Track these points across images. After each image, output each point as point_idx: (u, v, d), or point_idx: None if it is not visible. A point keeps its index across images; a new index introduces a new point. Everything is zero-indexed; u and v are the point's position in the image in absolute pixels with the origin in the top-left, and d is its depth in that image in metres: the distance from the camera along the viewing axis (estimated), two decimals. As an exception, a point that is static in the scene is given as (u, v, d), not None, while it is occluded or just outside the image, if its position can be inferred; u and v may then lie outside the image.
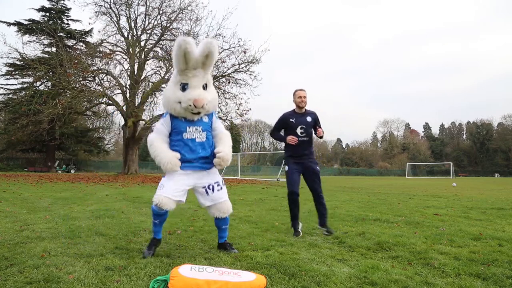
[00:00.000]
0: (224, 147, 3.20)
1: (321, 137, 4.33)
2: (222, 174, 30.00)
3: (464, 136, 79.93)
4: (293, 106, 4.40)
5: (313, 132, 4.35)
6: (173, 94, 3.07)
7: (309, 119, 4.30)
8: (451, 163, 51.95)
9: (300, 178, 4.29)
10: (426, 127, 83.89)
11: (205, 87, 3.12)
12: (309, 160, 4.29)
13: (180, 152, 3.12)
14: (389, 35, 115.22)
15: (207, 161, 3.23)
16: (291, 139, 4.14)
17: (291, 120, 4.27)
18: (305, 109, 4.36)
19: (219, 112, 22.09)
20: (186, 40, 2.88)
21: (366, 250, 3.49)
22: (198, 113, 3.10)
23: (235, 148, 56.00)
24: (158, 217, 3.15)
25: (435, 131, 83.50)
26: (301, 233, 4.15)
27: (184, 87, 3.05)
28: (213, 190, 3.25)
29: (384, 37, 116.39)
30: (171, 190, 3.06)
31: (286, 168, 4.32)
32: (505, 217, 5.82)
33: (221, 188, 3.32)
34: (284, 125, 4.33)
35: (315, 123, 4.35)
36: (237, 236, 4.03)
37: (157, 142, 3.12)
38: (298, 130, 4.24)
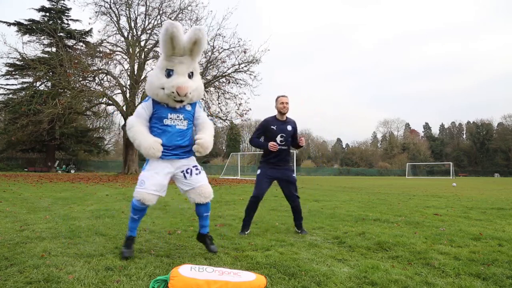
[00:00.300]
0: (205, 134, 3.15)
1: (301, 147, 4.35)
2: (222, 174, 30.02)
3: (464, 136, 79.94)
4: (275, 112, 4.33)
5: (293, 140, 4.33)
6: (157, 80, 3.02)
7: (289, 128, 4.27)
8: (451, 163, 51.94)
9: (270, 185, 4.26)
10: (426, 127, 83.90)
11: (190, 75, 3.07)
12: (285, 168, 4.26)
13: (159, 138, 3.04)
14: (389, 35, 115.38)
15: (185, 150, 3.17)
16: (272, 145, 4.06)
17: (272, 127, 4.22)
18: (286, 117, 4.32)
19: (219, 112, 22.11)
20: (173, 24, 2.81)
21: (366, 250, 3.49)
22: (181, 101, 3.04)
23: (235, 148, 56.25)
24: (139, 212, 3.10)
25: (435, 131, 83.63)
26: (246, 234, 4.16)
27: (169, 73, 2.99)
28: (191, 173, 3.14)
29: (384, 37, 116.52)
30: (153, 185, 3.00)
31: (258, 171, 4.26)
32: (505, 217, 5.82)
33: (200, 172, 3.22)
34: (265, 131, 4.26)
35: (294, 132, 4.34)
36: (237, 236, 4.02)
37: (138, 125, 3.04)
38: (278, 138, 4.19)
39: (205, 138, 3.12)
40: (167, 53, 2.96)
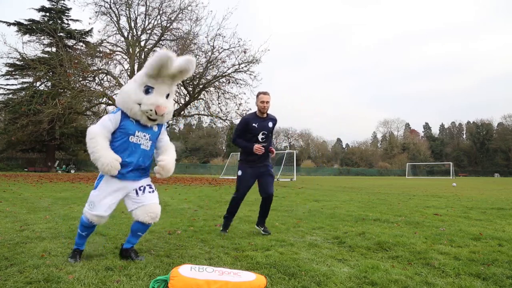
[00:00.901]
0: (168, 156, 3.11)
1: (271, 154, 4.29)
2: (222, 174, 30.02)
3: (464, 136, 79.97)
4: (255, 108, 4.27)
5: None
6: (134, 94, 2.87)
7: (270, 124, 4.21)
8: (451, 163, 51.95)
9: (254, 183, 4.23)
10: (426, 127, 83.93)
11: (167, 96, 2.98)
12: (265, 163, 4.22)
13: (120, 154, 2.89)
14: (389, 35, 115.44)
15: (144, 172, 3.06)
16: (258, 148, 4.00)
17: (253, 124, 4.12)
18: (267, 113, 4.25)
19: (219, 112, 22.12)
20: (168, 55, 2.74)
21: (366, 250, 3.49)
22: (155, 120, 2.95)
23: (235, 148, 56.08)
24: (87, 229, 3.01)
25: (435, 131, 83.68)
26: (227, 232, 4.23)
27: (147, 90, 2.87)
28: (143, 191, 3.02)
29: (384, 37, 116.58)
30: (104, 207, 2.91)
31: (240, 172, 4.19)
32: (505, 217, 5.82)
33: (153, 191, 3.08)
34: (246, 129, 4.16)
35: (273, 127, 4.29)
36: (237, 236, 4.03)
37: (100, 137, 2.87)
38: (260, 136, 4.14)
39: (168, 160, 3.08)
40: (151, 74, 2.85)
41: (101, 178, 2.98)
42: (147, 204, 2.97)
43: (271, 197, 4.23)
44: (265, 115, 4.22)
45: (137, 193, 2.98)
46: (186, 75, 2.97)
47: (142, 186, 3.02)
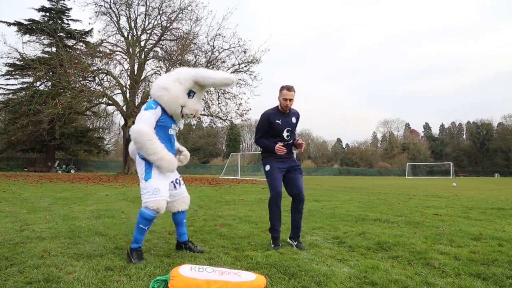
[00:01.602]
0: (183, 147, 3.49)
1: (299, 149, 3.89)
2: (222, 174, 30.03)
3: (464, 136, 79.99)
4: (277, 102, 3.79)
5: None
6: (181, 96, 3.11)
7: (293, 120, 3.82)
8: (451, 163, 51.95)
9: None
10: (426, 127, 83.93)
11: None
12: (291, 159, 3.83)
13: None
14: (389, 35, 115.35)
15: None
16: (279, 148, 3.61)
17: (277, 121, 3.69)
18: (290, 108, 3.79)
19: (219, 112, 22.14)
20: (234, 81, 3.16)
21: (366, 250, 3.49)
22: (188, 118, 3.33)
23: (235, 148, 56.25)
24: (149, 222, 3.03)
25: (435, 131, 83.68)
26: (281, 246, 3.57)
27: (190, 94, 3.16)
28: (180, 184, 3.35)
29: (384, 37, 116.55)
30: (166, 192, 3.07)
31: (268, 167, 3.70)
32: (505, 217, 5.82)
33: (183, 183, 3.46)
34: (269, 127, 3.71)
35: (297, 123, 3.91)
36: (237, 236, 4.02)
37: (156, 137, 3.00)
38: (285, 134, 3.73)
39: (186, 150, 3.46)
40: (201, 84, 3.18)
41: (149, 168, 3.05)
42: (183, 196, 3.36)
43: (303, 200, 3.73)
44: (288, 111, 3.77)
45: (175, 186, 3.29)
46: (223, 88, 3.31)
47: (177, 179, 3.34)
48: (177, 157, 3.30)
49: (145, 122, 3.01)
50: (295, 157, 4.05)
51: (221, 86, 3.31)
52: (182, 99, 3.11)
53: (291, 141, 3.83)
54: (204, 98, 22.73)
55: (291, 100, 3.67)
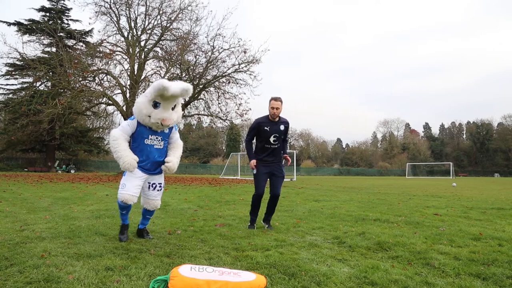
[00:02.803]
0: (173, 158, 3.75)
1: (287, 162, 4.57)
2: (222, 174, 30.04)
3: (464, 136, 80.00)
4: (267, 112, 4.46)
5: (282, 141, 4.55)
6: (145, 108, 3.46)
7: (282, 127, 4.42)
8: (451, 163, 51.97)
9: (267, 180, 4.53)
10: (426, 127, 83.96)
11: (173, 107, 3.55)
12: (277, 164, 4.49)
13: (137, 154, 3.58)
14: (389, 35, 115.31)
15: (161, 165, 3.73)
16: (252, 165, 4.39)
17: (265, 128, 4.35)
18: (279, 116, 4.44)
19: (219, 112, 22.15)
20: (165, 87, 3.27)
21: (366, 250, 3.49)
22: (163, 128, 3.62)
23: (235, 148, 56.24)
24: (124, 209, 3.69)
25: (435, 131, 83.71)
26: (255, 227, 4.51)
27: (156, 105, 3.45)
28: (154, 188, 3.76)
29: (384, 36, 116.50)
30: (132, 187, 3.55)
31: (254, 171, 4.45)
32: (505, 217, 5.82)
33: (160, 190, 3.83)
34: (258, 132, 4.40)
35: (286, 130, 4.51)
36: (237, 236, 4.03)
37: (121, 139, 3.52)
38: (271, 139, 4.38)
39: (173, 161, 3.72)
40: (156, 95, 3.40)
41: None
42: (151, 200, 3.78)
43: (278, 197, 4.53)
44: (277, 119, 4.41)
45: (149, 187, 3.74)
46: (184, 98, 3.63)
47: (154, 183, 3.75)
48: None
49: (119, 128, 3.62)
50: (282, 163, 4.63)
51: (179, 96, 3.44)
52: (146, 110, 3.45)
53: (278, 145, 4.46)
54: (204, 98, 22.75)
55: (278, 108, 4.31)
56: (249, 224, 4.64)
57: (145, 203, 3.78)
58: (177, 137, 3.91)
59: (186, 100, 22.04)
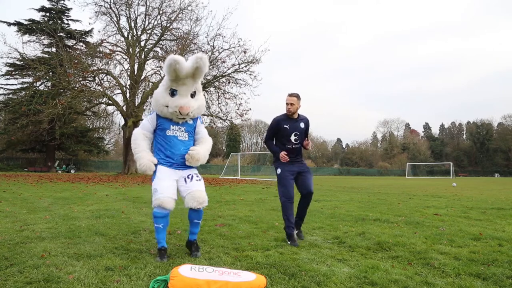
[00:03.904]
0: (200, 147, 3.40)
1: (305, 149, 4.21)
2: (222, 174, 30.03)
3: (464, 136, 79.98)
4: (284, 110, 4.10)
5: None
6: (162, 98, 3.24)
7: (302, 125, 4.09)
8: (451, 163, 51.96)
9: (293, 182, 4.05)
10: (426, 127, 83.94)
11: (193, 94, 3.29)
12: (300, 163, 4.15)
13: (163, 147, 3.33)
14: (389, 35, 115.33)
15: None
16: (283, 156, 3.93)
17: (284, 126, 4.01)
18: (298, 114, 4.11)
19: (219, 112, 22.13)
20: (176, 60, 3.01)
21: (366, 250, 3.49)
22: (183, 118, 3.30)
23: (235, 148, 56.21)
24: (161, 219, 3.17)
25: (435, 131, 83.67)
26: (297, 243, 3.76)
27: (173, 93, 3.22)
28: (191, 179, 3.31)
29: (384, 37, 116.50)
30: (165, 189, 3.16)
31: (279, 171, 4.01)
32: (505, 217, 5.82)
33: (200, 179, 3.39)
34: (277, 131, 4.06)
35: (306, 129, 4.19)
36: (237, 236, 4.02)
37: (141, 139, 3.33)
38: (292, 137, 4.03)
39: (198, 150, 3.34)
40: (171, 79, 3.17)
41: (155, 171, 3.30)
42: (194, 191, 3.24)
43: (311, 195, 4.04)
44: (295, 116, 4.07)
45: (185, 181, 3.30)
46: (201, 71, 3.18)
47: (190, 175, 3.34)
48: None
49: (140, 126, 3.44)
50: (303, 160, 4.26)
51: (195, 67, 3.12)
52: (163, 99, 3.23)
53: (300, 145, 4.10)
54: (204, 98, 22.72)
55: (292, 104, 3.95)
56: (288, 241, 3.77)
57: (190, 200, 3.23)
58: (205, 131, 3.57)
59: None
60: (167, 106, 3.22)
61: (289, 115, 4.03)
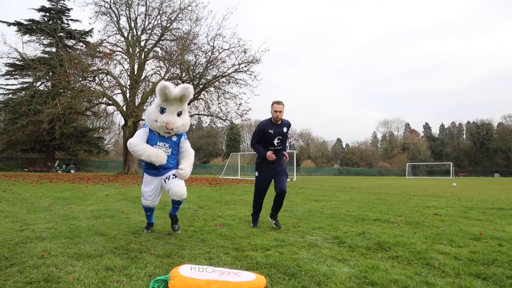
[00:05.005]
0: (186, 165, 4.05)
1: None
2: (222, 174, 30.05)
3: (464, 136, 79.96)
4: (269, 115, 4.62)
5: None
6: (153, 113, 3.86)
7: (285, 129, 4.60)
8: (451, 163, 51.95)
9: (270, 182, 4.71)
10: (426, 127, 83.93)
11: (179, 114, 3.92)
12: (280, 164, 4.65)
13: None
14: (389, 34, 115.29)
15: (169, 168, 4.04)
16: (270, 155, 4.43)
17: (269, 131, 4.51)
18: (282, 119, 4.58)
19: (219, 112, 22.16)
20: (166, 86, 3.66)
21: (366, 250, 3.49)
22: (169, 132, 3.91)
23: (235, 148, 56.22)
24: (148, 210, 4.19)
25: (435, 131, 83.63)
26: (258, 226, 4.68)
27: (162, 111, 3.84)
28: (169, 178, 3.99)
29: (384, 36, 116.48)
30: (149, 196, 4.04)
31: (257, 173, 4.68)
32: (505, 217, 5.82)
33: (175, 177, 4.01)
34: (263, 135, 4.55)
35: (287, 131, 4.68)
36: (237, 236, 4.03)
37: (142, 143, 3.89)
38: (275, 141, 4.56)
39: (186, 169, 4.02)
40: (161, 99, 3.79)
41: (143, 175, 4.12)
42: (172, 187, 3.92)
43: (284, 193, 4.59)
44: (279, 122, 4.57)
45: (165, 181, 4.01)
46: (187, 98, 3.87)
47: (168, 175, 4.01)
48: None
49: (135, 136, 3.97)
50: (283, 162, 4.80)
51: (181, 94, 3.77)
52: (154, 115, 3.84)
53: (281, 146, 4.65)
54: (204, 98, 22.76)
55: (280, 111, 4.48)
56: (252, 224, 4.77)
57: (172, 195, 3.93)
58: (188, 146, 4.15)
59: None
60: (156, 121, 3.82)
61: (276, 121, 4.53)
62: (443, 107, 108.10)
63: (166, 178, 4.02)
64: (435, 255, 3.27)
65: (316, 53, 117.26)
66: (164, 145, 3.96)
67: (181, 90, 3.76)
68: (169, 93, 3.70)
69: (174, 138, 4.04)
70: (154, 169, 3.98)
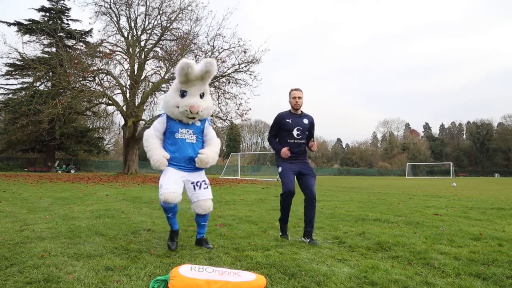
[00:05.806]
0: (208, 150, 3.52)
1: (311, 151, 4.07)
2: (222, 174, 30.04)
3: (464, 136, 79.98)
4: (289, 107, 4.13)
5: (307, 138, 4.09)
6: (172, 99, 3.41)
7: (305, 121, 4.05)
8: (451, 163, 51.96)
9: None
10: (426, 127, 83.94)
11: (201, 95, 3.45)
12: (303, 161, 4.01)
13: (170, 149, 3.47)
14: (389, 34, 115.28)
15: (198, 170, 3.57)
16: (285, 151, 3.87)
17: (287, 120, 3.98)
18: (302, 111, 4.10)
19: (219, 112, 22.12)
20: (188, 64, 3.22)
21: (366, 250, 3.49)
22: (193, 117, 3.45)
23: (235, 148, 56.19)
24: (169, 210, 3.41)
25: (435, 131, 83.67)
26: (289, 238, 3.96)
27: (183, 94, 3.39)
28: (200, 187, 3.49)
29: (384, 36, 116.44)
30: (169, 185, 3.32)
31: (280, 169, 3.95)
32: (505, 217, 5.82)
33: (207, 187, 3.55)
34: (280, 125, 4.01)
35: (311, 127, 4.11)
36: (237, 236, 4.02)
37: (152, 138, 3.46)
38: (295, 132, 3.96)
39: (207, 153, 3.47)
40: (181, 81, 3.35)
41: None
42: (201, 200, 3.46)
43: (314, 199, 3.87)
44: (299, 112, 4.08)
45: (194, 188, 3.48)
46: (210, 75, 3.39)
47: (198, 182, 3.51)
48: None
49: (151, 127, 3.56)
50: (307, 159, 4.13)
51: (204, 71, 3.29)
52: (174, 100, 3.40)
53: (303, 141, 4.02)
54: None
55: (300, 98, 4.02)
56: (280, 233, 4.06)
57: (196, 207, 3.47)
58: (213, 134, 3.67)
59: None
60: (178, 107, 3.37)
61: (296, 109, 4.05)
62: (443, 107, 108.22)
63: (196, 184, 3.48)
64: (435, 255, 3.27)
65: (316, 53, 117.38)
66: (188, 131, 3.49)
67: (204, 66, 3.27)
68: (192, 72, 3.23)
69: (198, 123, 3.55)
70: (178, 162, 3.45)
